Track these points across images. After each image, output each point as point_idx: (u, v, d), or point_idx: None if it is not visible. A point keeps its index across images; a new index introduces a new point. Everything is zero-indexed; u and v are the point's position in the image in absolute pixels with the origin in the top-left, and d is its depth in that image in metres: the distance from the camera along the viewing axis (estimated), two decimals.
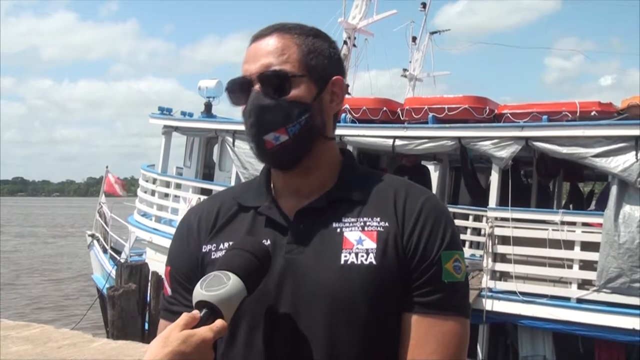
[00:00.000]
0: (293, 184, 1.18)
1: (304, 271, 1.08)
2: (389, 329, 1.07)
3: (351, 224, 1.11)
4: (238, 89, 1.15)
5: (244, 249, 1.04)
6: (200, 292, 0.98)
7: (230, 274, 0.99)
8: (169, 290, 1.20)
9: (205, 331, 0.94)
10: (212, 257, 1.14)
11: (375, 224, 1.10)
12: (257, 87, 1.12)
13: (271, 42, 1.14)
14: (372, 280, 1.05)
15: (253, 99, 1.12)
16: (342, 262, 1.07)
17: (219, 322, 0.96)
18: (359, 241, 1.09)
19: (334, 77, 1.18)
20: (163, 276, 1.24)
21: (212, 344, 0.95)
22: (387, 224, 1.10)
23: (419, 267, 1.07)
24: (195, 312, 0.97)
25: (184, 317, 0.95)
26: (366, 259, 1.07)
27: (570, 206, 11.09)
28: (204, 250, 1.16)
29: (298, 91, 1.12)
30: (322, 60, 1.16)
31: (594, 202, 11.31)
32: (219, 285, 0.98)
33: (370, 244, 1.08)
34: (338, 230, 1.11)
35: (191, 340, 0.92)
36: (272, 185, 1.21)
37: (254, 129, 1.12)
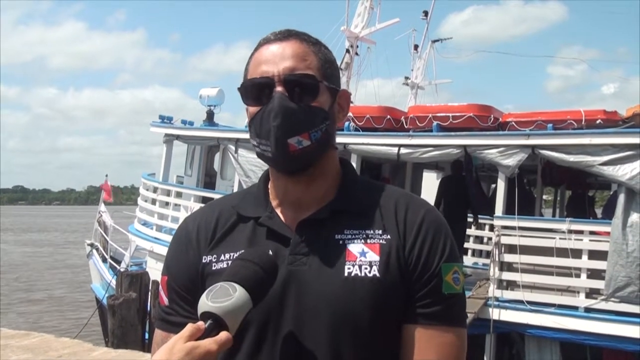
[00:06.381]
0: (294, 193, 1.15)
1: (307, 283, 1.07)
2: (390, 340, 1.08)
3: (354, 236, 1.10)
4: (257, 89, 1.11)
5: (251, 260, 1.02)
6: (205, 302, 0.96)
7: (236, 285, 0.98)
8: (165, 300, 1.18)
9: (209, 343, 0.92)
10: (213, 268, 1.12)
11: (377, 236, 1.10)
12: (280, 89, 1.09)
13: (291, 47, 1.12)
14: (376, 292, 1.05)
15: (280, 100, 1.08)
16: (346, 274, 1.07)
17: (223, 334, 0.94)
18: (362, 253, 1.08)
19: (342, 90, 1.19)
20: (159, 285, 1.22)
21: (216, 356, 0.93)
22: (389, 236, 1.10)
23: (420, 279, 1.08)
24: (200, 323, 0.95)
25: (189, 328, 0.93)
26: (370, 272, 1.07)
27: (565, 212, 11.04)
28: (204, 261, 1.14)
29: (321, 97, 1.12)
30: (334, 71, 1.17)
31: (598, 211, 11.27)
32: (225, 297, 0.96)
33: (374, 257, 1.08)
34: (340, 242, 1.10)
35: (195, 353, 0.90)
36: (269, 195, 1.19)
37: (279, 131, 1.08)
